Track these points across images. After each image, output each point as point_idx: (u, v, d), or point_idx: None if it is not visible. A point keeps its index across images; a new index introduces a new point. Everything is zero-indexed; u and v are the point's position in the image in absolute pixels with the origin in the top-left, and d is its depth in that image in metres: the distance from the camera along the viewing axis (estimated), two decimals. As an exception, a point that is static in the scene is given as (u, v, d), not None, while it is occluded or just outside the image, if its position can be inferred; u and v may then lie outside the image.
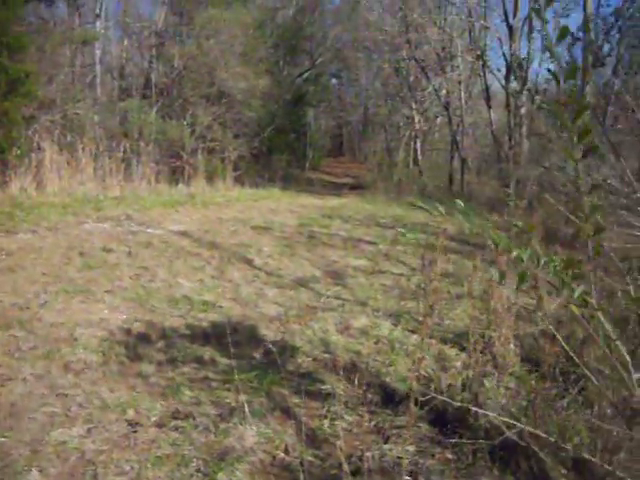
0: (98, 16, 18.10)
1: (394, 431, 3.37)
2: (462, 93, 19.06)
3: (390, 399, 3.73)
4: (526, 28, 15.02)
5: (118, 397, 3.60)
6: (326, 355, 4.46)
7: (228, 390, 3.73)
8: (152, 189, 13.08)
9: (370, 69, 24.88)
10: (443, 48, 18.25)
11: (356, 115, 32.14)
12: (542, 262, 2.02)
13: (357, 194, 17.60)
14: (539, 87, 14.79)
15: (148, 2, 21.30)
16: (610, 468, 2.58)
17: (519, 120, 14.82)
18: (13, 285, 5.54)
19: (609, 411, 2.93)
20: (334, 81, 33.59)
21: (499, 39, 15.60)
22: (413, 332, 4.98)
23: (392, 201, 15.11)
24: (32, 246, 7.04)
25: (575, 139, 2.01)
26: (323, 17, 26.47)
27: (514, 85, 14.96)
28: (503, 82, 15.38)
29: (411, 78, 20.83)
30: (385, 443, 3.25)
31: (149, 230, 8.52)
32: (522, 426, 2.80)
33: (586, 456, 2.67)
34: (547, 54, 13.47)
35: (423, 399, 3.01)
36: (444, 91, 19.22)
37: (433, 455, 3.17)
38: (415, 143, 22.00)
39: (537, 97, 13.88)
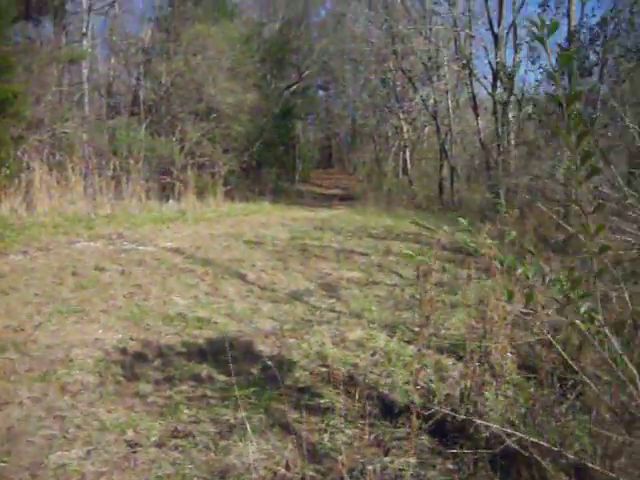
0: (85, 35, 18.15)
1: (394, 443, 3.37)
2: (449, 102, 19.18)
3: (389, 411, 3.73)
4: (511, 36, 15.15)
5: (116, 418, 3.58)
6: (323, 368, 4.45)
7: (227, 407, 3.72)
8: (143, 206, 13.03)
9: (357, 81, 24.96)
10: (429, 58, 18.37)
11: (344, 126, 32.27)
12: (547, 279, 2.04)
13: (347, 205, 17.64)
14: (526, 95, 14.90)
15: (135, 19, 21.37)
16: (612, 474, 2.59)
17: (507, 127, 14.91)
18: (6, 307, 5.51)
19: (608, 416, 2.93)
20: (321, 93, 33.81)
21: (485, 47, 15.74)
22: (409, 343, 4.99)
23: (382, 211, 15.13)
24: (24, 267, 7.01)
25: (579, 161, 2.05)
26: (309, 30, 26.65)
27: (501, 92, 15.07)
28: (490, 90, 15.48)
29: (398, 88, 20.93)
30: (386, 455, 3.25)
31: (141, 248, 8.49)
32: (522, 435, 2.80)
33: (587, 463, 2.67)
34: (532, 60, 13.60)
35: (426, 413, 3.01)
36: (431, 100, 19.32)
37: (434, 466, 3.17)
38: (404, 153, 22.10)
39: (528, 108, 13.97)
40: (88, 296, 6.03)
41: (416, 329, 5.02)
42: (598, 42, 13.04)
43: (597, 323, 2.18)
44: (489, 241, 3.27)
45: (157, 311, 5.73)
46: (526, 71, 14.89)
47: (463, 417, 3.05)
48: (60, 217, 10.70)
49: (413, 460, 3.20)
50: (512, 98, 14.74)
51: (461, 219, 2.17)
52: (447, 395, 3.83)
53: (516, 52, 14.93)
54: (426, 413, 3.01)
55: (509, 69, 14.75)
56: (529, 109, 13.98)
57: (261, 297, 6.48)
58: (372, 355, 4.78)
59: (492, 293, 3.86)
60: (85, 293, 6.12)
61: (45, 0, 16.11)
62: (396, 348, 4.91)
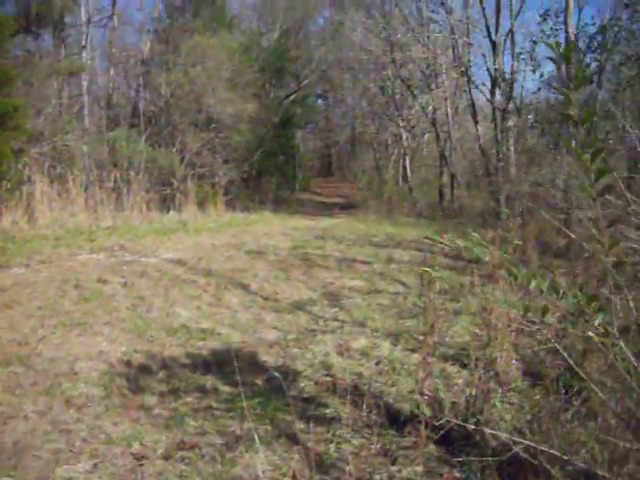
0: (84, 47, 18.23)
1: (401, 452, 3.37)
2: (448, 109, 19.20)
3: (395, 420, 3.72)
4: (509, 43, 15.18)
5: (122, 430, 3.58)
6: (328, 378, 4.46)
7: (232, 418, 3.72)
8: (144, 217, 13.04)
9: (356, 89, 24.97)
10: (428, 66, 18.41)
11: (344, 135, 32.26)
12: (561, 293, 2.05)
13: (348, 214, 17.65)
14: (525, 101, 14.92)
15: (133, 31, 21.40)
16: (619, 480, 2.59)
17: (506, 134, 14.92)
18: (10, 321, 5.52)
19: (614, 422, 2.93)
20: (321, 102, 33.86)
21: (483, 55, 15.76)
22: (413, 351, 4.98)
23: (383, 219, 15.14)
24: (26, 280, 7.02)
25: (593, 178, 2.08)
26: (307, 39, 26.69)
27: (499, 99, 15.09)
28: (488, 96, 15.50)
29: (397, 96, 20.97)
30: (393, 465, 3.25)
31: (143, 259, 8.50)
32: (528, 442, 2.80)
33: (595, 469, 2.67)
34: (533, 69, 13.62)
35: (436, 424, 3.01)
36: (430, 108, 19.35)
37: (441, 475, 3.17)
38: (404, 160, 22.09)
39: (528, 115, 13.98)
40: (91, 309, 6.03)
41: (420, 337, 5.02)
42: (598, 50, 13.05)
43: (611, 336, 2.19)
44: (492, 248, 3.27)
45: (160, 323, 5.74)
46: (524, 77, 14.72)
47: (473, 427, 3.04)
48: (61, 229, 10.72)
49: (420, 469, 3.20)
50: (511, 105, 14.75)
51: (474, 233, 2.17)
52: (453, 403, 3.82)
53: (514, 59, 14.95)
54: (436, 423, 3.00)
55: (507, 76, 14.77)
56: (530, 117, 13.98)
57: (264, 307, 6.48)
58: (376, 364, 4.78)
59: (496, 300, 3.86)
60: (88, 306, 6.13)
61: (44, 13, 16.16)
62: (400, 357, 4.91)
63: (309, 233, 11.98)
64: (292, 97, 25.14)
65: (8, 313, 5.75)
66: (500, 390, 3.89)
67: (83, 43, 18.41)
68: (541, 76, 14.24)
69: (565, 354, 2.80)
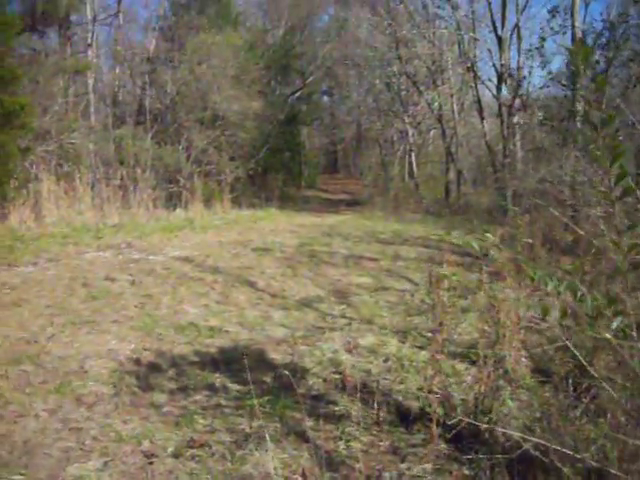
0: (90, 45, 18.27)
1: (410, 450, 3.38)
2: (454, 105, 19.17)
3: (403, 417, 3.73)
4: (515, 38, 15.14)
5: (132, 428, 3.59)
6: (336, 375, 4.46)
7: (241, 416, 3.73)
8: (150, 215, 13.07)
9: (361, 85, 24.92)
10: (433, 62, 18.36)
11: (349, 131, 32.19)
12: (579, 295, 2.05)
13: (354, 210, 17.64)
14: (531, 97, 14.84)
15: (139, 29, 21.40)
16: (628, 478, 2.58)
17: (512, 130, 14.88)
18: (19, 319, 5.55)
19: (623, 419, 2.93)
20: (326, 99, 33.84)
21: (489, 50, 15.71)
22: (421, 348, 4.98)
23: (390, 216, 15.11)
24: (35, 279, 7.05)
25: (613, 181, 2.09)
26: (313, 36, 26.64)
27: (505, 95, 15.05)
28: (495, 92, 15.46)
29: (403, 93, 20.92)
30: (402, 462, 3.25)
31: (150, 257, 8.52)
32: (538, 440, 2.80)
33: (605, 467, 2.67)
34: (543, 66, 13.57)
35: (449, 422, 3.01)
36: (436, 104, 19.30)
37: (451, 472, 3.17)
38: (410, 157, 22.06)
39: (537, 112, 13.91)
40: (99, 307, 6.06)
41: (428, 334, 5.02)
42: (607, 46, 12.99)
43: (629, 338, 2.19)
44: (500, 245, 3.27)
45: (169, 320, 5.75)
46: (530, 73, 14.62)
47: (486, 426, 3.04)
48: (69, 227, 10.76)
49: (429, 466, 3.20)
50: (517, 101, 14.70)
51: (488, 234, 2.17)
52: (462, 400, 3.82)
53: (520, 54, 14.91)
54: (449, 422, 3.00)
55: (513, 72, 14.72)
56: (540, 115, 13.90)
57: (271, 304, 6.49)
58: (385, 361, 4.78)
59: (505, 298, 3.85)
60: (96, 304, 6.15)
61: (50, 12, 16.19)
62: (408, 354, 4.91)
63: (315, 230, 11.98)
64: (297, 94, 25.14)
65: (17, 311, 5.78)
66: (509, 387, 3.89)
67: (89, 41, 18.47)
68: (549, 73, 14.18)
69: (575, 351, 2.79)
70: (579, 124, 11.90)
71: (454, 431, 3.23)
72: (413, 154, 21.77)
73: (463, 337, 5.23)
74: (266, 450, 3.26)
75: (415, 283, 7.35)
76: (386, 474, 3.09)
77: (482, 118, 16.74)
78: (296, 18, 24.53)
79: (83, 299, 6.31)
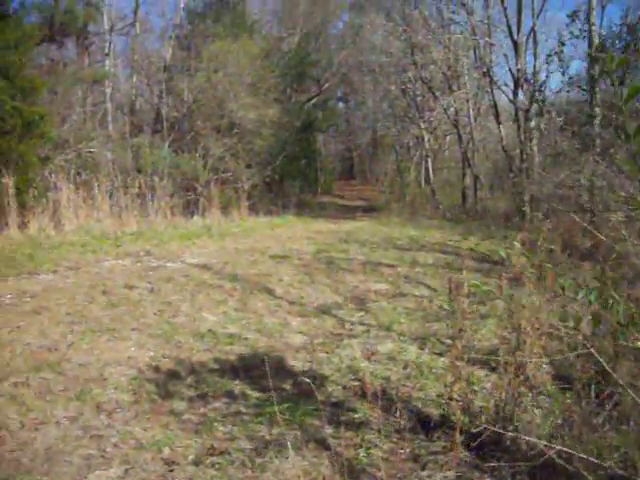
0: (107, 55, 18.47)
1: (431, 457, 3.35)
2: (470, 110, 19.10)
3: (424, 424, 3.70)
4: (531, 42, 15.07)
5: (152, 436, 3.60)
6: (355, 382, 4.45)
7: (261, 423, 3.73)
8: (168, 223, 13.15)
9: (377, 91, 24.89)
10: (449, 67, 18.31)
11: (365, 138, 32.22)
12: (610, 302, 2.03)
13: (371, 216, 17.61)
14: (548, 101, 14.73)
15: (155, 38, 21.62)
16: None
17: (529, 134, 14.79)
18: (39, 327, 5.59)
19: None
20: (342, 105, 33.91)
21: (505, 55, 15.64)
22: (440, 355, 4.96)
23: (406, 222, 15.08)
24: (55, 287, 7.10)
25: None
26: (328, 43, 26.75)
27: (522, 99, 14.96)
28: (511, 97, 15.39)
29: (419, 98, 20.88)
30: (423, 470, 3.23)
31: (169, 264, 8.56)
32: (561, 447, 2.77)
33: (631, 475, 2.64)
34: (563, 71, 13.48)
35: (474, 431, 2.98)
36: (452, 109, 19.24)
37: (472, 480, 3.14)
38: (426, 162, 21.99)
39: (559, 118, 13.79)
40: (119, 314, 6.09)
41: (447, 341, 4.99)
42: (625, 50, 12.87)
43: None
44: (520, 251, 3.25)
45: (188, 328, 5.77)
46: (547, 77, 14.49)
47: (511, 434, 3.01)
48: (88, 235, 10.85)
49: (450, 474, 3.17)
50: (534, 106, 14.61)
51: (516, 243, 2.16)
52: (482, 407, 3.79)
53: (536, 59, 14.83)
54: (473, 430, 2.97)
55: (529, 76, 14.63)
56: (560, 119, 13.77)
57: (290, 312, 6.49)
58: (404, 368, 4.76)
59: (527, 305, 3.81)
60: (116, 311, 6.18)
61: (68, 23, 16.37)
62: (427, 360, 4.89)
63: (332, 236, 11.97)
64: (313, 101, 25.22)
65: (37, 319, 5.81)
66: (530, 394, 3.85)
67: (106, 51, 18.68)
68: (570, 78, 14.08)
69: (600, 359, 2.76)
70: (597, 128, 11.81)
71: (479, 439, 3.20)
72: (429, 160, 21.70)
73: (483, 343, 5.18)
74: (286, 458, 3.26)
75: (433, 289, 7.32)
76: (407, 482, 3.07)
77: (499, 123, 16.65)
78: (311, 25, 24.63)
79: (103, 307, 6.34)
